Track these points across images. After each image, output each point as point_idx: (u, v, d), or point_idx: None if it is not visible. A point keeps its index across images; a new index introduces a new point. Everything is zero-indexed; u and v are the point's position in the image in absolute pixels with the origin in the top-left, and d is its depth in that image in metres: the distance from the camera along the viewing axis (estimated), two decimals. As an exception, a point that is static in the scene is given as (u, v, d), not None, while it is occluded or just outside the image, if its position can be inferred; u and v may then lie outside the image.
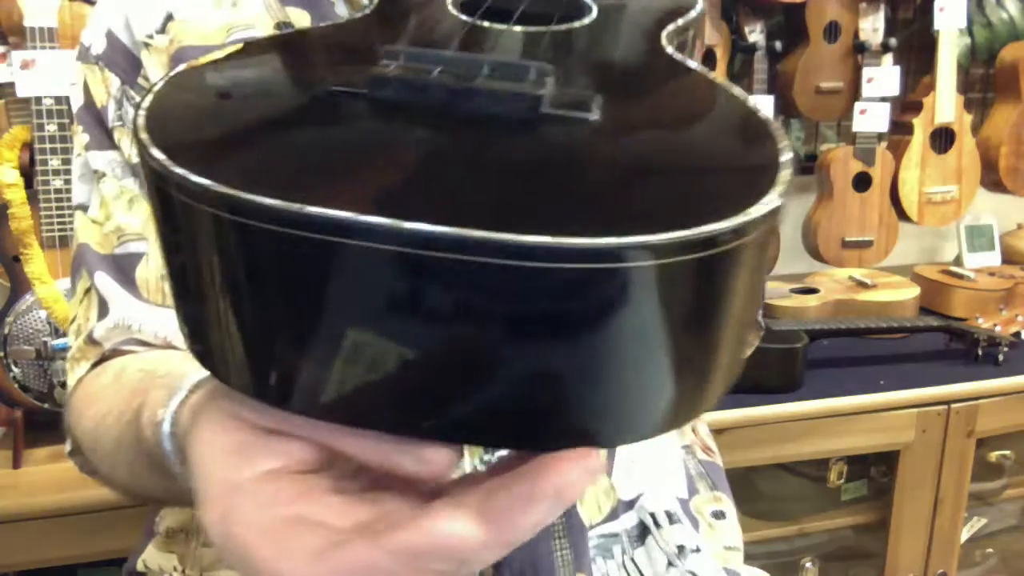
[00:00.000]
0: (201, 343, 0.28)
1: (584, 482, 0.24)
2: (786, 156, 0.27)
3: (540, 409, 0.24)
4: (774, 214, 0.24)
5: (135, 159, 0.62)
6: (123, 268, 0.62)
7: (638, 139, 0.30)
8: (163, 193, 0.25)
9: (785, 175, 0.26)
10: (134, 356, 0.58)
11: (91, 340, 0.61)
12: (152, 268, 0.61)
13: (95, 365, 0.60)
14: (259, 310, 0.24)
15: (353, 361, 0.24)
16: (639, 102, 0.34)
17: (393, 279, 0.22)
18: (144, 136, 0.26)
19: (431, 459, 0.26)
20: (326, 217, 0.22)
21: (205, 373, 0.39)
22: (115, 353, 0.60)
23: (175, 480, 0.39)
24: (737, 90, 0.33)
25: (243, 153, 0.27)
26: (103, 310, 0.61)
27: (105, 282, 0.61)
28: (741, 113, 0.31)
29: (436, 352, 0.23)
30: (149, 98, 0.28)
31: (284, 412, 0.26)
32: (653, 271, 0.22)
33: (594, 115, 0.29)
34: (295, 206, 0.22)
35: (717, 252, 0.23)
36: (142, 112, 0.27)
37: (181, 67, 0.31)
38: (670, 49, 0.38)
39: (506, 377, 0.23)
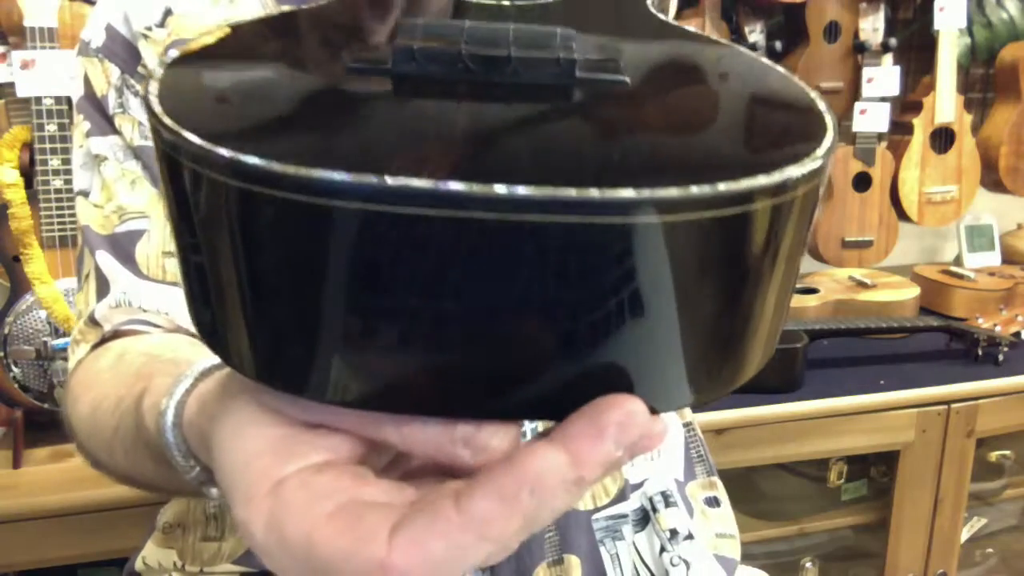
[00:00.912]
0: (220, 333, 0.26)
1: (646, 415, 0.23)
2: (823, 104, 0.28)
3: (600, 376, 0.23)
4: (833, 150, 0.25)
5: (136, 142, 0.62)
6: (123, 246, 0.61)
7: (677, 99, 0.30)
8: (198, 179, 0.23)
9: (830, 121, 0.26)
10: (136, 338, 0.57)
11: (92, 320, 0.60)
12: (153, 245, 0.61)
13: (96, 347, 0.59)
14: (306, 295, 0.23)
15: (411, 341, 0.23)
16: (658, 65, 0.34)
17: (471, 246, 0.21)
18: (169, 122, 0.24)
19: (491, 446, 0.24)
20: (408, 188, 0.20)
21: (212, 359, 0.37)
22: (117, 335, 0.59)
23: (177, 472, 0.38)
24: (746, 49, 0.34)
25: (283, 134, 0.25)
26: (104, 289, 0.61)
27: (106, 260, 0.61)
28: (761, 69, 0.32)
29: (507, 323, 0.22)
30: (155, 85, 0.27)
31: (324, 404, 0.25)
32: (742, 220, 0.22)
33: (627, 77, 0.29)
34: (372, 178, 0.21)
35: (783, 200, 0.23)
36: (155, 99, 0.25)
37: (174, 53, 0.30)
38: (663, 16, 0.38)
39: (576, 344, 0.23)
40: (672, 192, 0.21)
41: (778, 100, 0.30)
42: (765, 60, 0.32)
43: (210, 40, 0.31)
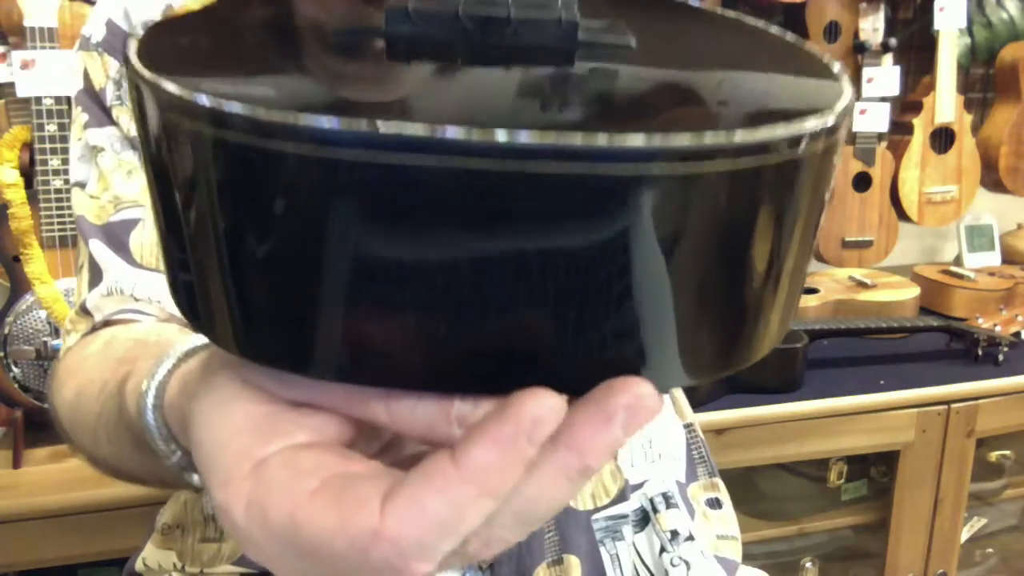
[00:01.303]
0: (201, 304, 0.24)
1: (655, 397, 0.22)
2: (837, 66, 0.27)
3: (606, 345, 0.22)
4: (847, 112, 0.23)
5: (133, 133, 0.62)
6: (117, 234, 0.61)
7: (686, 62, 0.29)
8: (177, 131, 0.22)
9: (846, 82, 0.25)
10: (125, 326, 0.56)
11: (83, 310, 0.60)
12: (147, 233, 0.61)
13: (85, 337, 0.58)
14: (291, 257, 0.21)
15: (403, 306, 0.21)
16: (665, 30, 0.33)
17: (470, 199, 0.19)
18: (148, 73, 0.22)
19: None
20: (402, 135, 0.19)
21: (198, 341, 0.35)
22: (108, 324, 0.58)
23: (159, 458, 0.37)
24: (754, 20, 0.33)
25: (269, 89, 0.23)
26: (96, 278, 0.60)
27: (99, 249, 0.61)
28: (771, 35, 0.31)
29: (507, 284, 0.21)
30: (135, 43, 0.25)
31: (312, 380, 0.23)
32: (760, 172, 0.21)
33: (632, 41, 0.28)
34: (363, 124, 0.19)
35: (800, 155, 0.22)
36: (134, 55, 0.24)
37: (153, 20, 0.28)
38: None
39: (580, 309, 0.21)
40: (685, 140, 0.20)
41: (792, 62, 0.29)
42: (775, 28, 0.32)
43: (195, 6, 0.30)
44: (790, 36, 0.31)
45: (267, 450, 0.23)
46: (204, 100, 0.21)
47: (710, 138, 0.20)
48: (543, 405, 0.21)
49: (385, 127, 0.19)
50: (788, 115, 0.22)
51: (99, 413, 0.45)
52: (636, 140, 0.19)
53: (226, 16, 0.30)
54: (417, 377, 0.22)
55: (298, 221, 0.21)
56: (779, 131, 0.21)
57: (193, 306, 0.25)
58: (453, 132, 0.19)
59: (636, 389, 0.22)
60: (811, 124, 0.22)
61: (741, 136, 0.20)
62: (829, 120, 0.22)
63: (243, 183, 0.21)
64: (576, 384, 0.23)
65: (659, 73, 0.27)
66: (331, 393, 0.24)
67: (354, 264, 0.21)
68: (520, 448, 0.21)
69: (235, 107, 0.20)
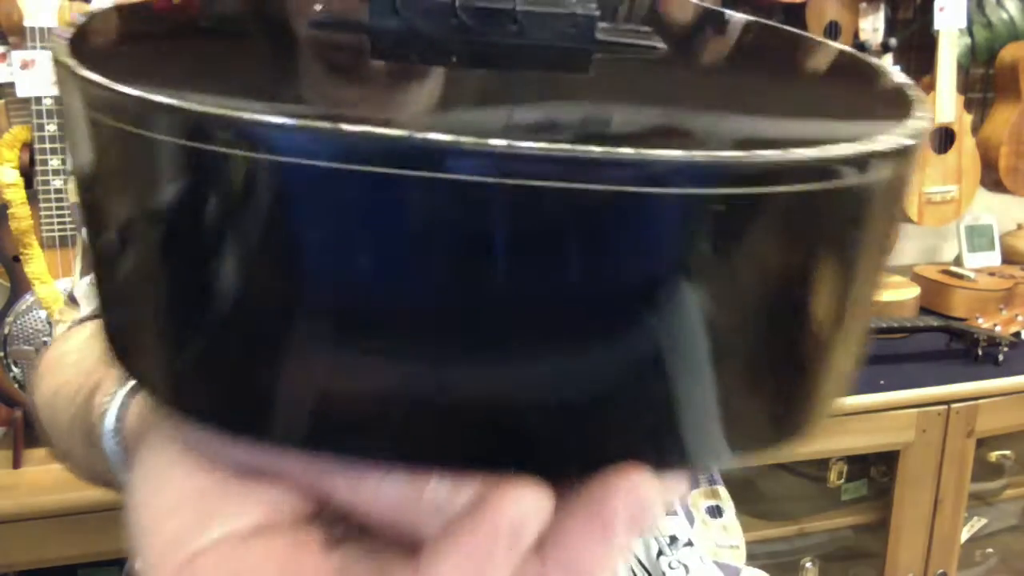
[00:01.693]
0: (133, 348, 0.20)
1: (660, 491, 0.18)
2: (901, 77, 0.23)
3: (625, 413, 0.18)
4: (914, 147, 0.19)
5: None
6: None
7: (724, 69, 0.26)
8: (99, 130, 0.18)
9: (914, 94, 0.21)
10: None
11: (71, 299, 0.57)
12: None
13: (71, 328, 0.55)
14: (232, 290, 0.17)
15: (370, 354, 0.17)
16: (698, 34, 0.30)
17: (454, 221, 0.16)
18: (70, 61, 0.19)
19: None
20: (370, 137, 0.15)
21: None
22: (97, 316, 0.56)
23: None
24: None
25: (216, 87, 0.20)
26: (88, 265, 0.58)
27: None
28: (813, 40, 0.28)
29: (499, 329, 0.16)
30: (70, 31, 0.22)
31: (268, 446, 0.19)
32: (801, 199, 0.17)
33: (658, 42, 0.24)
34: (323, 124, 0.15)
35: (868, 181, 0.18)
36: (63, 42, 0.20)
37: (107, 3, 0.25)
38: None
39: (590, 364, 0.17)
40: (734, 156, 0.16)
41: (856, 79, 0.25)
42: (837, 43, 0.28)
43: None
44: (839, 44, 0.28)
45: (205, 537, 0.19)
46: (127, 91, 0.17)
47: (765, 155, 0.16)
48: (523, 504, 0.18)
49: (350, 128, 0.15)
50: (853, 133, 0.18)
51: (73, 417, 0.41)
52: (671, 154, 0.15)
53: (188, 9, 0.27)
54: (385, 445, 0.18)
55: (239, 243, 0.17)
56: (847, 149, 0.17)
57: (126, 356, 0.21)
58: (437, 137, 0.15)
59: (636, 481, 0.18)
60: (885, 141, 0.18)
61: (800, 155, 0.16)
62: (902, 140, 0.18)
63: (179, 198, 0.17)
64: (586, 461, 0.18)
65: (693, 85, 0.24)
66: (287, 462, 0.19)
67: (304, 299, 0.17)
68: (498, 559, 0.18)
69: (161, 99, 0.17)
